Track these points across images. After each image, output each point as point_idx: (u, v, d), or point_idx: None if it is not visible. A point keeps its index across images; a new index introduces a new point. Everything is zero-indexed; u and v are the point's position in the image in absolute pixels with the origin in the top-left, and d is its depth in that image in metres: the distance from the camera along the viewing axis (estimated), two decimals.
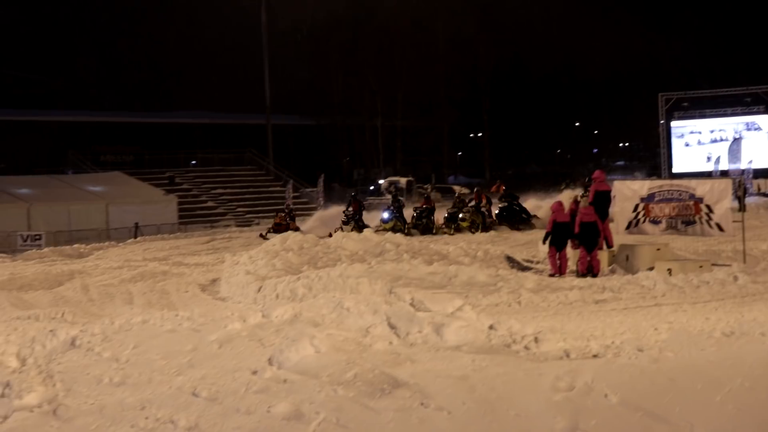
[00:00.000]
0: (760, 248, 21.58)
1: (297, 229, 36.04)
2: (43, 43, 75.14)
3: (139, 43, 77.52)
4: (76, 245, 32.34)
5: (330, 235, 29.72)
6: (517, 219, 35.96)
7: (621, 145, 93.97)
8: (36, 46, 74.41)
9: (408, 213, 37.39)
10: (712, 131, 55.41)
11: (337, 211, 40.40)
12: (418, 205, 38.83)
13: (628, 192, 27.64)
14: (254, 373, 7.19)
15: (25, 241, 34.34)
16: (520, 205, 37.20)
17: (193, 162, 61.25)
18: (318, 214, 44.42)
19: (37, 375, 7.28)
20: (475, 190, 40.77)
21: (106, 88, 77.04)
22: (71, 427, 6.51)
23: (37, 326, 10.18)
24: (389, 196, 41.23)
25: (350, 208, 37.11)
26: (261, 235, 35.68)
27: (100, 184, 47.34)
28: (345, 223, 35.75)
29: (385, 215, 36.26)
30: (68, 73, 76.00)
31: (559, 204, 22.20)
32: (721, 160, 53.63)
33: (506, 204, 36.81)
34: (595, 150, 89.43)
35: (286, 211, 40.07)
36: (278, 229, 35.65)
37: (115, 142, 61.56)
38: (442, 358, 7.62)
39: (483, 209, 36.77)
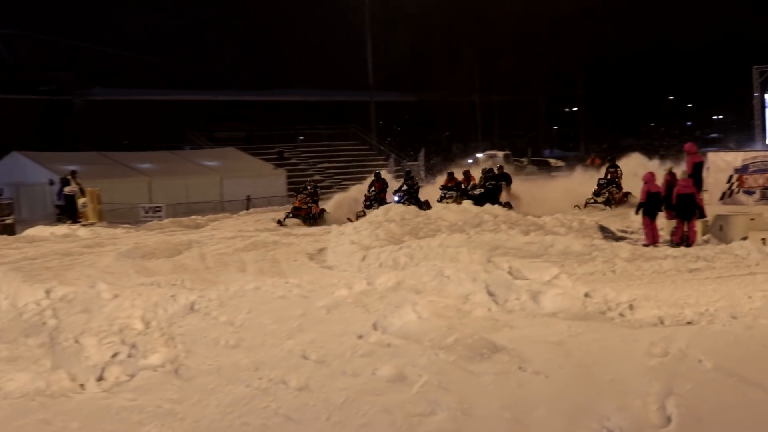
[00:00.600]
0: None
1: (322, 211, 31.86)
2: (164, 27, 76.14)
3: (250, 26, 78.19)
4: (193, 216, 32.73)
5: (350, 220, 27.07)
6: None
7: (714, 117, 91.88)
8: (157, 30, 75.41)
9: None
10: None
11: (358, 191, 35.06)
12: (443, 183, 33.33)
13: (721, 163, 27.17)
14: (360, 337, 7.26)
15: (147, 212, 34.90)
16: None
17: (301, 138, 61.59)
18: (337, 196, 37.95)
19: (159, 337, 7.45)
20: (463, 171, 34.92)
21: (220, 68, 77.79)
22: (191, 386, 6.65)
23: (159, 292, 10.34)
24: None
25: (372, 189, 31.71)
26: (279, 222, 30.42)
27: (214, 159, 47.88)
28: (368, 206, 29.83)
29: (395, 198, 30.78)
30: (186, 55, 76.89)
31: (651, 174, 21.78)
32: None
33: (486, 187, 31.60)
34: (689, 123, 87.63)
35: (310, 190, 32.16)
36: (297, 213, 30.55)
37: (229, 120, 62.14)
38: (539, 324, 7.61)
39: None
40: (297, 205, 31.34)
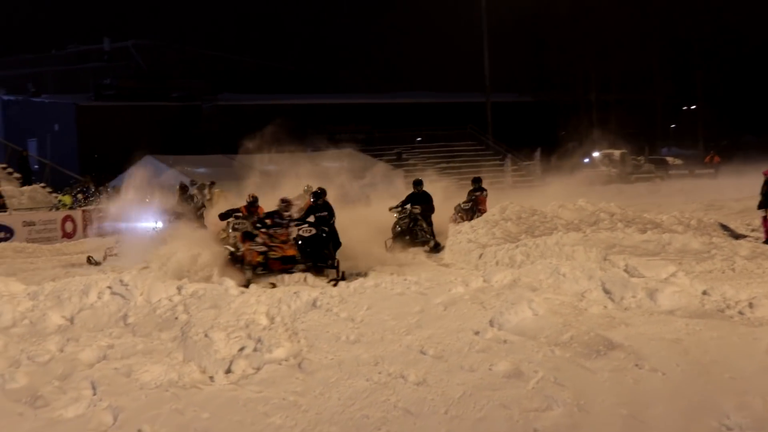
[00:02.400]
0: None
1: None
2: (287, 35, 77.24)
3: (369, 32, 78.68)
4: None
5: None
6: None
7: None
8: (281, 38, 76.51)
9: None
10: None
11: None
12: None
13: None
14: (476, 333, 7.24)
15: None
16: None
17: (419, 139, 61.69)
18: None
19: (284, 332, 7.54)
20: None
21: (340, 73, 78.47)
22: (314, 379, 6.72)
23: (282, 289, 10.48)
24: None
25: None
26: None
27: (335, 160, 48.29)
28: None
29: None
30: (308, 61, 77.76)
31: None
32: None
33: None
34: None
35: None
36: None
37: (348, 122, 62.63)
38: (656, 321, 7.48)
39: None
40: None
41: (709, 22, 69.00)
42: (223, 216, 18.79)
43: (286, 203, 17.08)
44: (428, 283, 8.45)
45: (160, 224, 20.90)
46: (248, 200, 19.03)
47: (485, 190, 25.19)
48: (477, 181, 25.05)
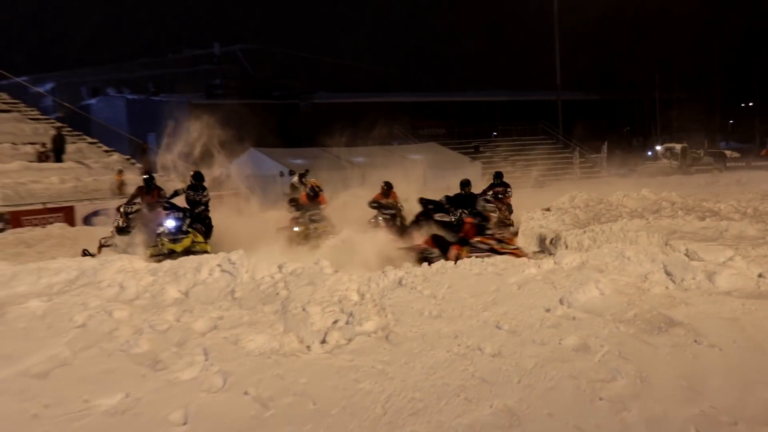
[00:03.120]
0: None
1: None
2: (375, 39, 77.56)
3: (450, 35, 78.62)
4: None
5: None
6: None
7: None
8: (370, 42, 76.83)
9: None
10: None
11: None
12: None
13: None
14: (547, 310, 7.21)
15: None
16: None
17: (494, 133, 61.48)
18: None
19: (372, 307, 7.59)
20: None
21: (423, 74, 78.50)
22: (399, 350, 6.76)
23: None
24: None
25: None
26: None
27: (418, 153, 48.35)
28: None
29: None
30: (394, 63, 77.94)
31: None
32: None
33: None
34: None
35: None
36: None
37: (431, 118, 62.63)
38: (714, 301, 7.38)
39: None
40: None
41: (765, 25, 67.58)
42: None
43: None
44: (503, 265, 8.45)
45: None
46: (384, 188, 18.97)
47: (509, 187, 21.68)
48: (498, 176, 21.71)
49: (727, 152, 61.92)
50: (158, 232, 15.77)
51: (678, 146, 57.59)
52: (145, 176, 18.53)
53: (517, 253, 12.97)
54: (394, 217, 18.77)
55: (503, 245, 13.75)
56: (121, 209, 17.31)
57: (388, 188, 19.83)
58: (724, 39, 68.21)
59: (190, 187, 18.14)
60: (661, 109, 69.70)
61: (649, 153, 60.22)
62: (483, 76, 74.74)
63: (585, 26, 69.08)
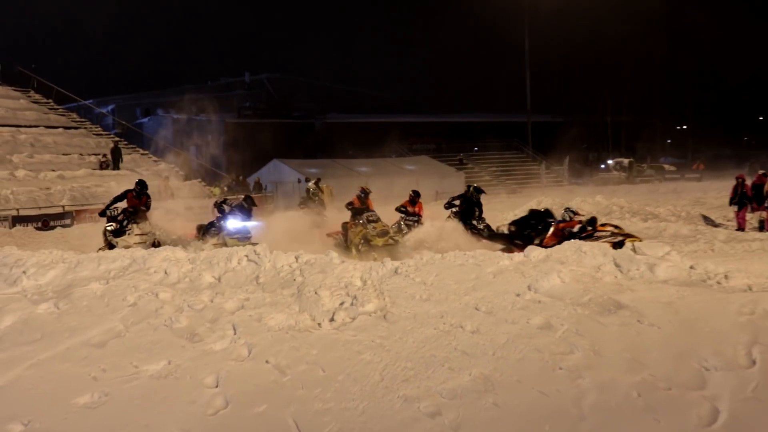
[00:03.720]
0: None
1: None
2: (379, 69, 77.65)
3: (439, 66, 78.74)
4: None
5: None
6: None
7: None
8: (374, 71, 76.94)
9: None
10: None
11: None
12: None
13: None
14: (518, 295, 7.19)
15: None
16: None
17: (476, 148, 61.55)
18: None
19: (373, 291, 7.57)
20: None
21: (417, 98, 78.54)
22: (395, 327, 6.74)
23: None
24: None
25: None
26: None
27: (412, 164, 48.43)
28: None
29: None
30: (394, 89, 77.97)
31: (742, 176, 21.29)
32: None
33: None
34: None
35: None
36: None
37: (423, 135, 62.69)
38: (654, 288, 7.37)
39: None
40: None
41: (697, 62, 68.24)
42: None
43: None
44: (482, 257, 8.43)
45: None
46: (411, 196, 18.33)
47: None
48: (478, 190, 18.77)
49: (666, 166, 62.27)
50: (225, 232, 15.44)
51: (626, 160, 57.96)
52: (138, 181, 17.17)
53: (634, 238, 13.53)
54: (416, 222, 18.22)
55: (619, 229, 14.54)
56: (108, 213, 16.36)
57: (364, 195, 19.32)
58: (663, 74, 68.66)
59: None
60: (613, 130, 70.07)
61: (603, 166, 60.50)
62: (468, 100, 74.77)
63: (551, 61, 69.33)
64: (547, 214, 15.70)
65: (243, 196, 17.27)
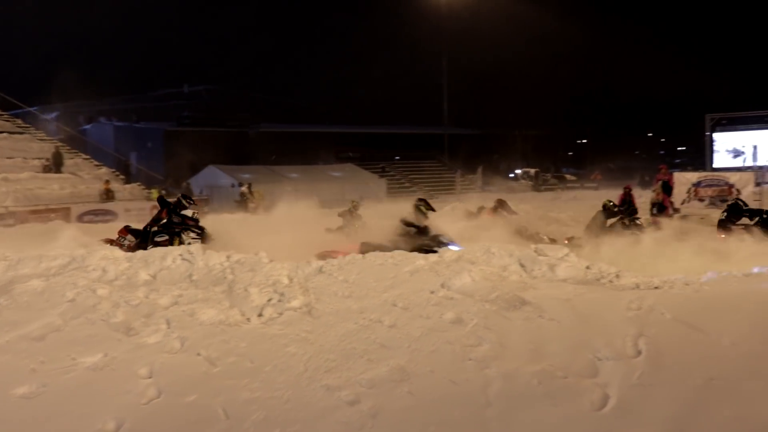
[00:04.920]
0: None
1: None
2: (309, 81, 77.34)
3: (365, 81, 78.86)
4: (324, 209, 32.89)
5: None
6: None
7: (679, 148, 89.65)
8: (305, 83, 76.58)
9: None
10: (741, 140, 53.21)
11: None
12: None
13: (683, 180, 26.68)
14: (432, 292, 7.22)
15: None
16: None
17: (397, 157, 61.81)
18: None
19: (299, 289, 7.51)
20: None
21: (345, 110, 78.37)
22: (318, 322, 6.70)
23: (298, 260, 10.43)
24: None
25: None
26: None
27: (338, 171, 48.37)
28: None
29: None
30: (323, 100, 77.63)
31: (629, 186, 22.16)
32: (747, 160, 51.03)
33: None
34: (662, 152, 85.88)
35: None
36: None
37: (349, 144, 62.58)
38: (554, 286, 7.51)
39: None
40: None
41: (595, 83, 70.44)
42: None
43: None
44: (400, 257, 8.44)
45: None
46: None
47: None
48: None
49: (567, 176, 63.77)
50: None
51: (532, 170, 59.08)
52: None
53: None
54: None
55: None
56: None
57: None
58: (566, 93, 70.54)
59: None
60: (522, 143, 71.46)
61: (512, 175, 61.55)
62: (391, 112, 74.96)
63: (468, 78, 70.29)
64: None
65: (180, 195, 16.47)
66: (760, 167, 43.55)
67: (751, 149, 50.21)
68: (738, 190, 23.88)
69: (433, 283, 7.44)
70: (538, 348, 5.99)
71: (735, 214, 17.04)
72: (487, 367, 5.74)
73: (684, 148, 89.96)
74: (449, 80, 60.70)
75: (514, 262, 8.27)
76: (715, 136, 54.22)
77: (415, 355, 5.98)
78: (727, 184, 27.03)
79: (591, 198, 35.66)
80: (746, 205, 17.74)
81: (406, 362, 5.87)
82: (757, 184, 31.69)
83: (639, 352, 5.85)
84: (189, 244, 13.64)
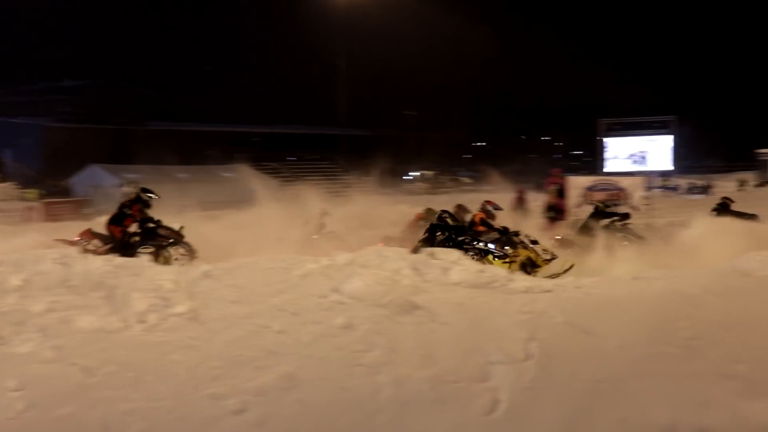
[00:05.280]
0: (660, 222, 21.26)
1: None
2: (200, 78, 75.90)
3: (261, 82, 77.99)
4: (212, 211, 32.33)
5: None
6: None
7: (573, 152, 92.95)
8: (196, 79, 75.11)
9: None
10: (632, 145, 55.84)
11: None
12: None
13: (577, 184, 27.64)
14: (323, 297, 7.20)
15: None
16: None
17: (291, 158, 61.55)
18: None
19: (184, 294, 7.34)
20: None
21: (239, 108, 77.24)
22: (204, 328, 6.57)
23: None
24: None
25: None
26: None
27: (230, 172, 47.73)
28: None
29: None
30: (216, 98, 76.11)
31: (521, 190, 22.85)
32: (638, 165, 53.53)
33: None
34: (559, 155, 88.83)
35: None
36: None
37: (241, 144, 61.77)
38: (447, 290, 7.62)
39: None
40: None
41: (493, 88, 72.11)
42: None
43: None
44: (291, 261, 8.38)
45: None
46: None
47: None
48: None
49: (464, 179, 65.08)
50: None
51: (429, 173, 60.01)
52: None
53: None
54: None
55: None
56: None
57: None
58: (464, 97, 71.96)
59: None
60: (419, 145, 72.33)
61: (409, 177, 62.28)
62: (285, 112, 74.30)
63: (365, 79, 70.64)
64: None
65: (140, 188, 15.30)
66: (650, 172, 45.73)
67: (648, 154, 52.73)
68: (629, 195, 24.87)
69: (324, 287, 7.42)
70: (429, 353, 6.05)
71: (599, 218, 17.83)
72: (378, 373, 5.76)
73: (581, 152, 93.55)
74: (346, 80, 61.00)
75: (407, 265, 8.34)
76: (607, 140, 56.83)
77: (304, 362, 5.93)
78: (617, 188, 28.13)
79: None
80: (608, 207, 18.65)
81: (295, 369, 5.81)
82: (648, 189, 33.20)
83: (530, 356, 6.00)
84: (176, 260, 13.38)
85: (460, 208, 17.39)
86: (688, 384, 5.66)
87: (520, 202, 22.93)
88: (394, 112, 69.41)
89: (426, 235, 14.27)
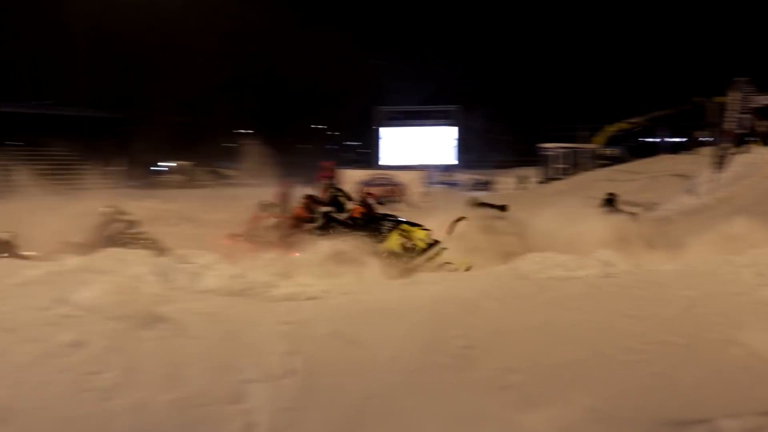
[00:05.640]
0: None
1: None
2: None
3: None
4: None
5: None
6: None
7: (349, 143, 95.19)
8: None
9: None
10: (410, 136, 58.16)
11: None
12: None
13: (352, 178, 28.46)
14: (45, 309, 6.80)
15: None
16: None
17: (19, 143, 57.75)
18: None
19: None
20: None
21: None
22: None
23: None
24: None
25: None
26: None
27: None
28: None
29: None
30: None
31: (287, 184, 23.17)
32: (417, 158, 55.74)
33: None
34: (334, 146, 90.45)
35: None
36: None
37: None
38: (199, 299, 7.51)
39: None
40: None
41: (260, 71, 72.22)
42: None
43: None
44: (4, 268, 7.85)
45: None
46: None
47: None
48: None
49: (227, 171, 64.58)
50: None
51: (184, 164, 59.02)
52: None
53: None
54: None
55: None
56: None
57: None
58: (227, 79, 71.41)
59: None
60: (172, 131, 70.68)
61: (162, 168, 60.79)
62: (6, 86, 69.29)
63: (111, 49, 67.75)
64: None
65: None
66: (432, 166, 47.86)
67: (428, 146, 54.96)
68: (408, 190, 25.86)
69: (48, 298, 7.00)
70: (175, 372, 5.89)
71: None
72: (112, 398, 5.51)
73: (359, 143, 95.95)
74: (82, 51, 58.28)
75: (151, 271, 8.11)
76: (383, 130, 58.79)
77: (19, 389, 5.54)
78: (392, 183, 29.14)
79: (252, 196, 36.33)
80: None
81: (8, 397, 5.43)
82: (428, 184, 34.70)
83: (291, 372, 6.01)
84: None
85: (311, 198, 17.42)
86: (461, 396, 5.91)
87: (285, 199, 22.99)
88: (145, 93, 67.14)
89: (322, 221, 15.51)
